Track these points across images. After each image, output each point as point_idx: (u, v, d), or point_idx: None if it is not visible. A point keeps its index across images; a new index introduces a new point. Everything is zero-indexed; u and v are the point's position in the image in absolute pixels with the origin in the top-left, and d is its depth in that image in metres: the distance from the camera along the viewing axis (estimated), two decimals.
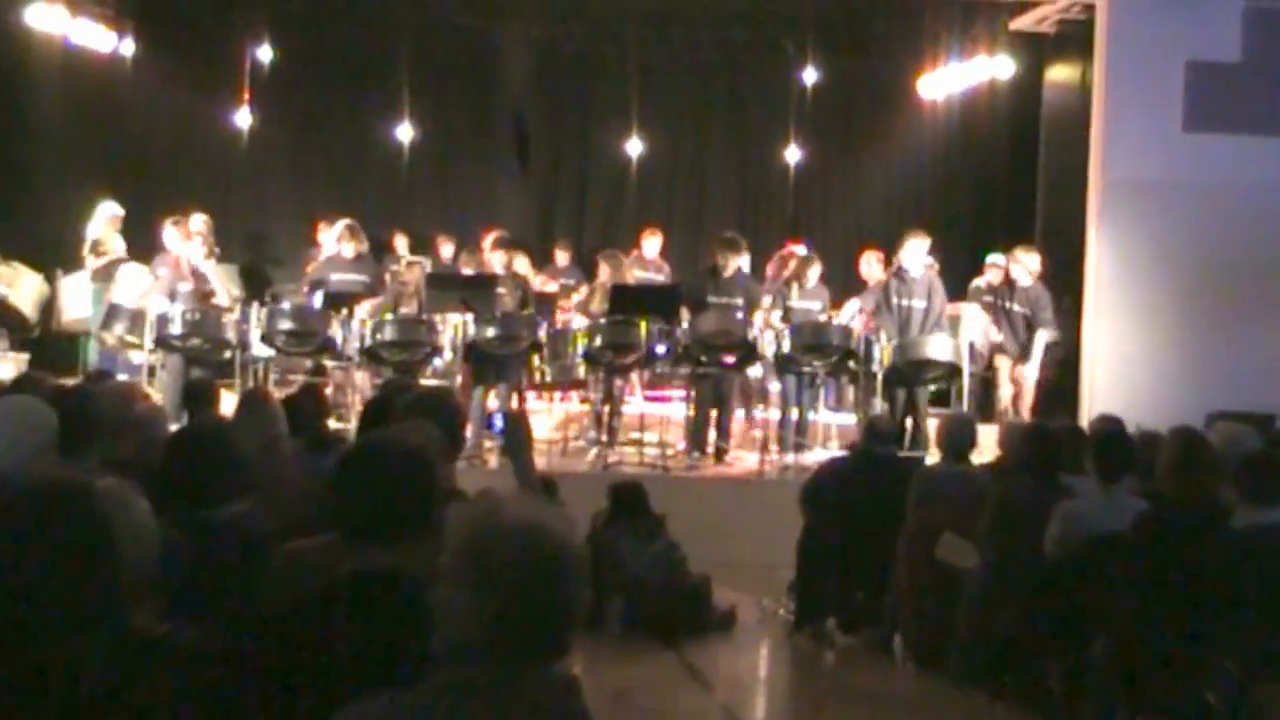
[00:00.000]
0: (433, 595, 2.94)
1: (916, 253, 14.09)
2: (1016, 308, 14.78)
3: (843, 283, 15.72)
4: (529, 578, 2.85)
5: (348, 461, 4.09)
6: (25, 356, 15.05)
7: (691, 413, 14.42)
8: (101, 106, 18.17)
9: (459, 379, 14.30)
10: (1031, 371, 14.73)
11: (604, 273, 15.43)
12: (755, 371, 14.93)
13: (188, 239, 14.75)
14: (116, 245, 15.81)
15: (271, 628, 3.81)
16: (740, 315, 13.98)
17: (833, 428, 15.06)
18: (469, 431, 13.34)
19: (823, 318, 14.30)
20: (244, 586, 4.49)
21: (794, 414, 14.43)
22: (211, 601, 4.37)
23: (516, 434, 5.38)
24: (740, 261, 14.35)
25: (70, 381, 10.84)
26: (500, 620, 2.84)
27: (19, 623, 3.19)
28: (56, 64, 16.98)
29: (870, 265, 15.30)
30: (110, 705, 3.20)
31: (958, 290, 15.43)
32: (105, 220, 15.85)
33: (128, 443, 6.76)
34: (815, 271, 14.77)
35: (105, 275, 15.23)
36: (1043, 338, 14.67)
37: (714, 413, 14.31)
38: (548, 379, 14.62)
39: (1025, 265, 14.69)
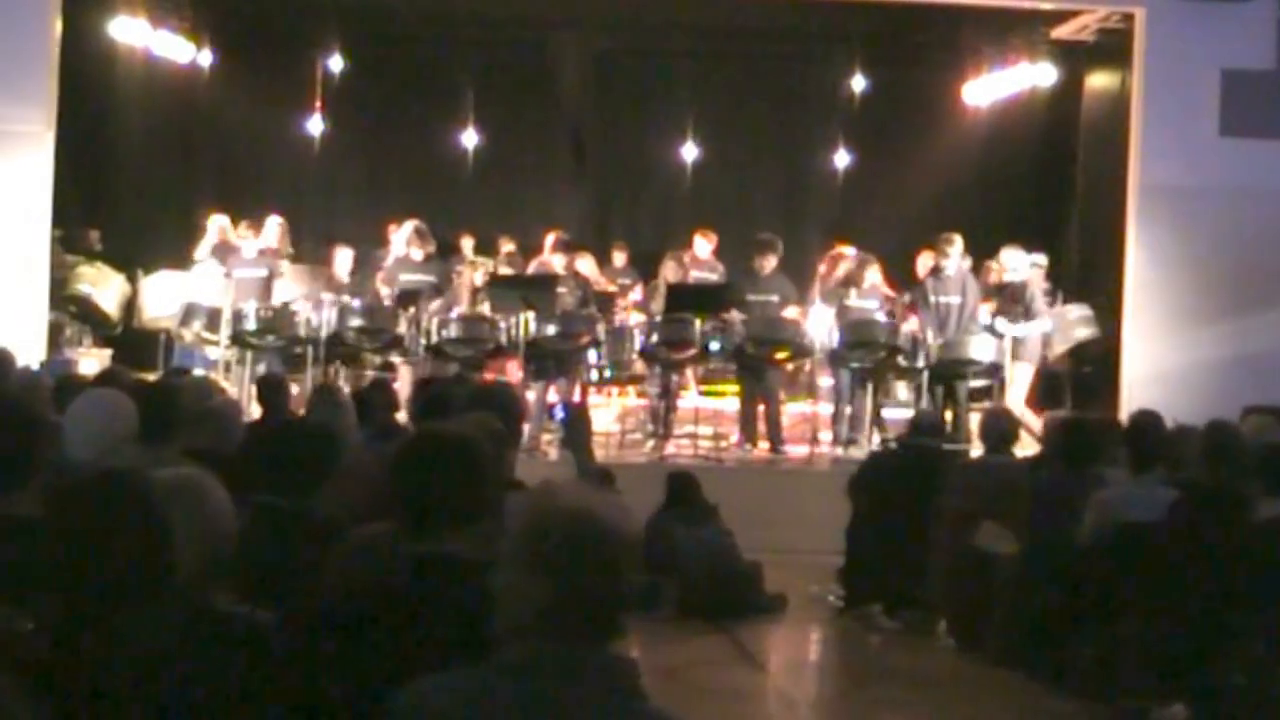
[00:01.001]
0: (492, 579, 2.97)
1: (956, 253, 14.45)
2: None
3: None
4: (581, 561, 2.87)
5: (403, 452, 4.25)
6: (108, 352, 15.54)
7: (740, 406, 14.80)
8: (180, 115, 18.54)
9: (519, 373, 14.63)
10: (1032, 359, 14.77)
11: (668, 271, 15.75)
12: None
13: (259, 239, 15.27)
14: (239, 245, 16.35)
15: (337, 609, 3.98)
16: (779, 311, 14.43)
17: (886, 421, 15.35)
18: (529, 424, 13.76)
19: (879, 318, 14.60)
20: (316, 570, 4.54)
21: (846, 408, 14.77)
22: (286, 584, 4.52)
23: (578, 426, 5.55)
24: (775, 260, 14.73)
25: (150, 376, 11.33)
26: (555, 602, 2.86)
27: (80, 600, 3.37)
28: (139, 74, 17.31)
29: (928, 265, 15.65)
30: (189, 681, 3.34)
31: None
32: (218, 229, 16.33)
33: (205, 433, 7.13)
34: (872, 272, 15.05)
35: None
36: (1038, 327, 14.75)
37: (762, 407, 14.68)
38: (606, 374, 14.98)
39: (1011, 264, 14.77)
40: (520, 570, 2.91)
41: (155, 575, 3.39)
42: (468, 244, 17.55)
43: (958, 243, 14.51)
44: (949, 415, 14.19)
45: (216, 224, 16.33)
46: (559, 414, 13.66)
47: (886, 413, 15.28)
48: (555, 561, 2.88)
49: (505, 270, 16.24)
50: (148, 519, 3.42)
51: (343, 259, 15.20)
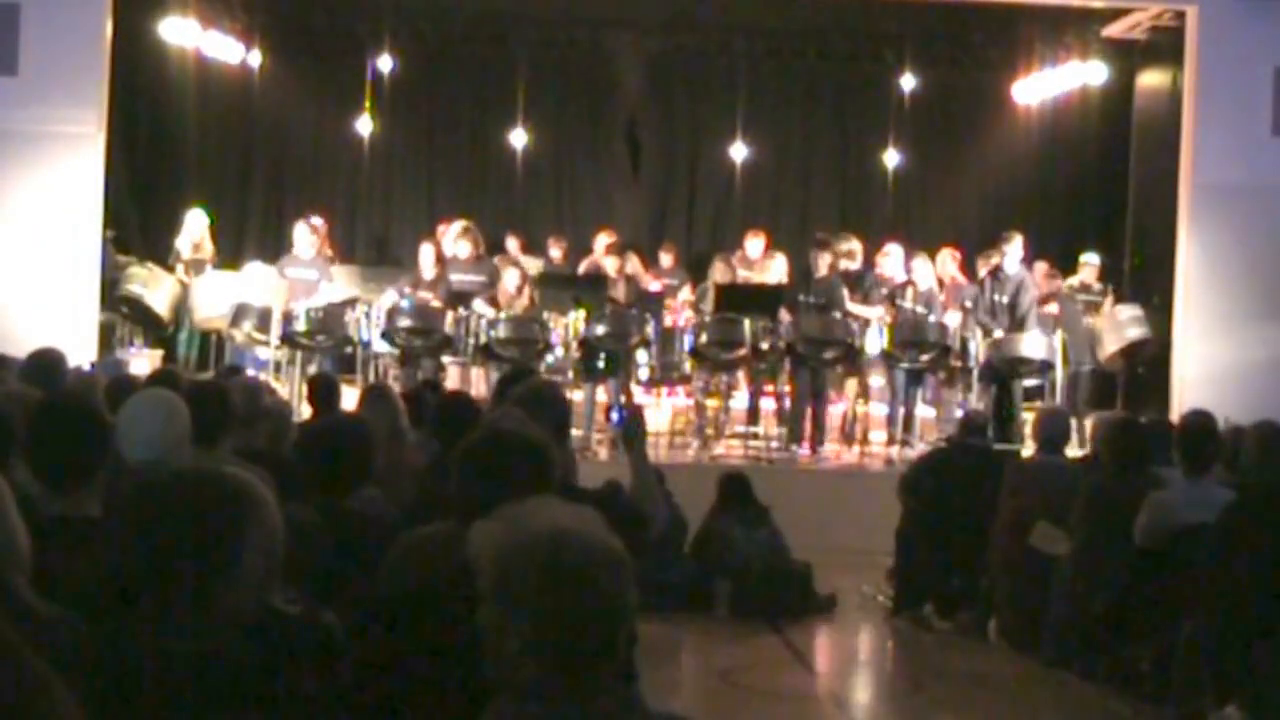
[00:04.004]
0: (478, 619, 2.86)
1: (1014, 252, 14.42)
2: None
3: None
4: (555, 590, 2.74)
5: (465, 450, 4.24)
6: (159, 353, 15.66)
7: (789, 406, 14.76)
8: (231, 116, 18.67)
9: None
10: None
11: (717, 273, 15.74)
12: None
13: (315, 236, 15.37)
14: (208, 247, 16.50)
15: (395, 608, 4.00)
16: (835, 315, 14.38)
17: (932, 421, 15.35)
18: (581, 425, 13.81)
19: (932, 319, 14.54)
20: (372, 570, 4.61)
21: (901, 409, 14.73)
22: (343, 584, 4.58)
23: (634, 426, 5.53)
24: (828, 260, 14.66)
25: (197, 376, 11.39)
26: (536, 637, 2.75)
27: (160, 600, 3.33)
28: (190, 75, 17.48)
29: (945, 264, 15.63)
30: (249, 682, 3.32)
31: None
32: (203, 227, 16.46)
33: (258, 434, 7.19)
34: (925, 272, 14.99)
35: (198, 270, 15.97)
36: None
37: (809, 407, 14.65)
38: (656, 375, 14.99)
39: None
40: (498, 606, 2.79)
41: (226, 576, 3.36)
42: (513, 244, 17.59)
43: (1015, 241, 14.49)
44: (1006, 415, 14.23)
45: (202, 220, 16.42)
46: (614, 415, 13.67)
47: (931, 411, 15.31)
48: (530, 595, 2.74)
49: (544, 271, 16.30)
50: (224, 520, 3.39)
51: (426, 255, 15.19)
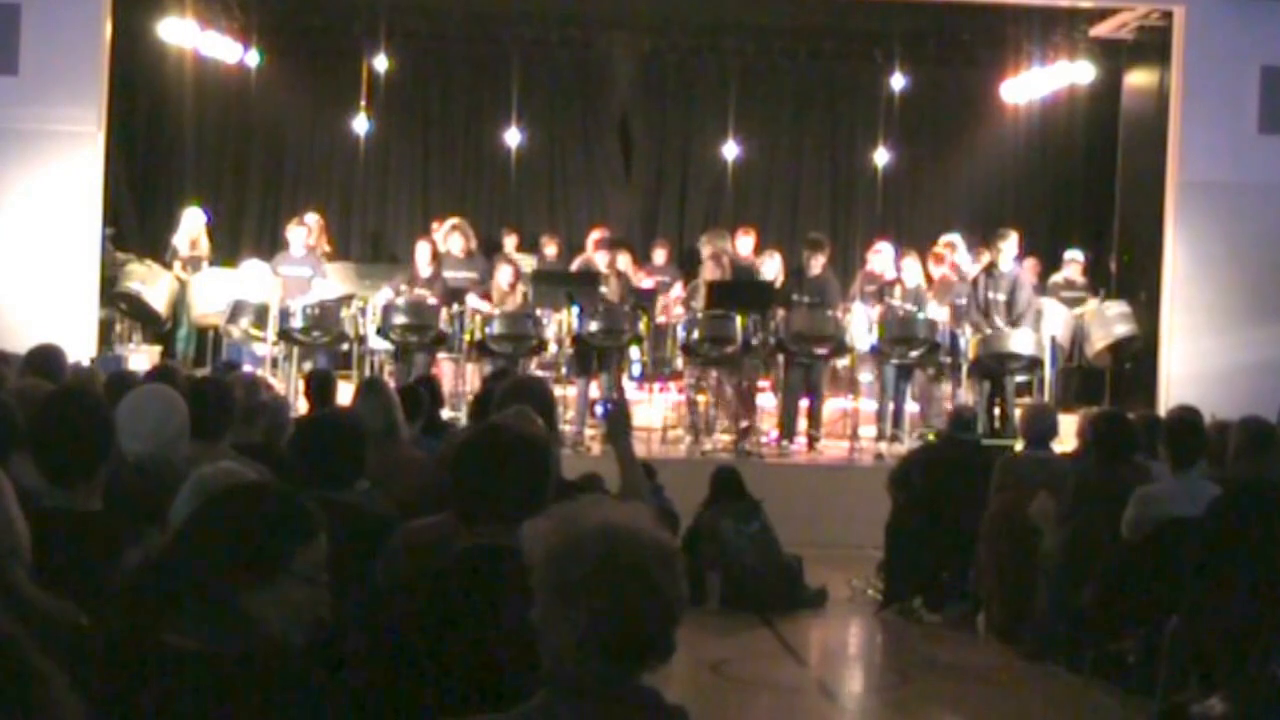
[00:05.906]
0: (531, 612, 2.84)
1: (1008, 250, 14.49)
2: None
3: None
4: (612, 584, 2.74)
5: (469, 445, 4.23)
6: (158, 349, 15.77)
7: (782, 402, 14.85)
8: (229, 114, 18.78)
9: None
10: None
11: (707, 270, 15.82)
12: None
13: (309, 236, 15.50)
14: (204, 245, 16.60)
15: (393, 600, 4.02)
16: (825, 312, 14.46)
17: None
18: (574, 420, 13.93)
19: (921, 316, 14.63)
20: (366, 563, 4.62)
21: (890, 404, 14.82)
22: (340, 577, 4.76)
23: (618, 420, 5.58)
24: (822, 260, 14.75)
25: (195, 372, 11.48)
26: (592, 631, 2.74)
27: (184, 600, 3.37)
28: (188, 75, 17.57)
29: (934, 265, 15.73)
30: (246, 676, 3.28)
31: (1040, 287, 15.81)
32: (200, 225, 16.56)
33: (255, 429, 7.27)
34: (914, 270, 15.08)
35: (196, 267, 16.14)
36: None
37: (804, 402, 14.73)
38: (648, 370, 15.07)
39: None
40: (550, 601, 2.79)
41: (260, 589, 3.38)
42: (510, 241, 17.67)
43: (1010, 238, 14.55)
44: (994, 411, 14.31)
45: (199, 218, 16.52)
46: (599, 409, 13.76)
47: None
48: (582, 589, 2.75)
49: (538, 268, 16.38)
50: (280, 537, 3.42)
51: (422, 254, 15.27)
